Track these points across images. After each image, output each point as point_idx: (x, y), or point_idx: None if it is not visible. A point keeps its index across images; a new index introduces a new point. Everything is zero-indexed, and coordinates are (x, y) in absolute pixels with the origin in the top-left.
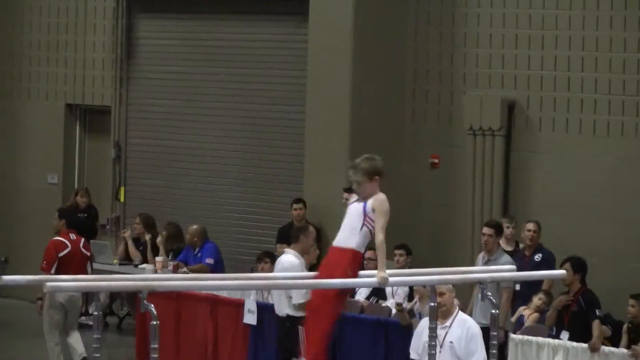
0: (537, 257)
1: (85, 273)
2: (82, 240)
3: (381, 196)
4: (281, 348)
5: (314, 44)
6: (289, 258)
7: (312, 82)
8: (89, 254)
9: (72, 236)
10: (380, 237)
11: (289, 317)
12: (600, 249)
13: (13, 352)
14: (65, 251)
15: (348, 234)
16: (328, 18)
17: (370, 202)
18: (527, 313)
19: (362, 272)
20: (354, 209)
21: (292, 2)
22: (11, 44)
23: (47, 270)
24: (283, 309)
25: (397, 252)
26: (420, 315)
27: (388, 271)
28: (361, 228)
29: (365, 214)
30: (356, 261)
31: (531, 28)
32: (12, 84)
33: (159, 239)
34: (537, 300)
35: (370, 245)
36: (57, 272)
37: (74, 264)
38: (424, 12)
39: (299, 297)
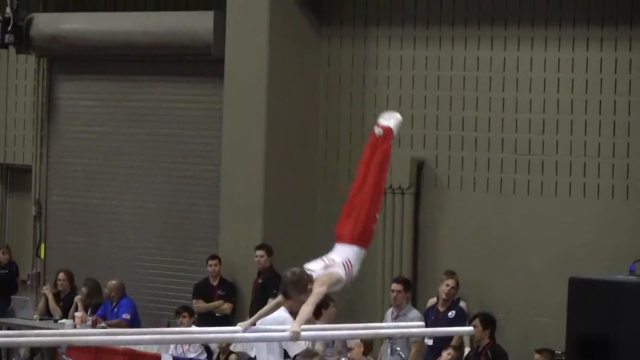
0: (451, 313)
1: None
2: None
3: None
4: None
5: (228, 103)
6: (278, 314)
7: (227, 139)
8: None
9: None
10: (308, 307)
11: None
12: (508, 302)
13: None
14: None
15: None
16: (242, 80)
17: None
18: None
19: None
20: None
21: (209, 65)
22: None
23: None
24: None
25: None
26: None
27: (307, 326)
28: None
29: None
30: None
31: (439, 89)
32: None
33: (78, 296)
34: (445, 355)
35: None
36: None
37: None
38: (335, 73)
39: (295, 349)
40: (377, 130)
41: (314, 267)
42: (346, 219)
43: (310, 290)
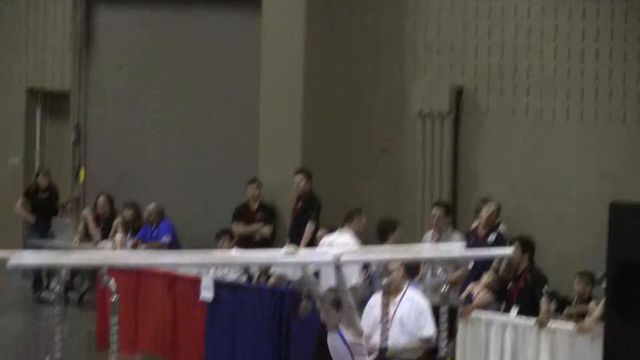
0: (491, 237)
1: None
2: None
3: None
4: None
5: (267, 30)
6: (344, 239)
7: (266, 63)
8: None
9: None
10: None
11: None
12: (547, 227)
13: None
14: None
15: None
16: (281, 6)
17: (345, 331)
18: (477, 290)
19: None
20: (336, 346)
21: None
22: None
23: None
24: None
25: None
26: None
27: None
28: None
29: (348, 345)
30: None
31: (478, 17)
32: None
33: (118, 219)
34: (486, 278)
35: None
36: None
37: None
38: (376, 2)
39: (355, 279)
40: None
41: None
42: None
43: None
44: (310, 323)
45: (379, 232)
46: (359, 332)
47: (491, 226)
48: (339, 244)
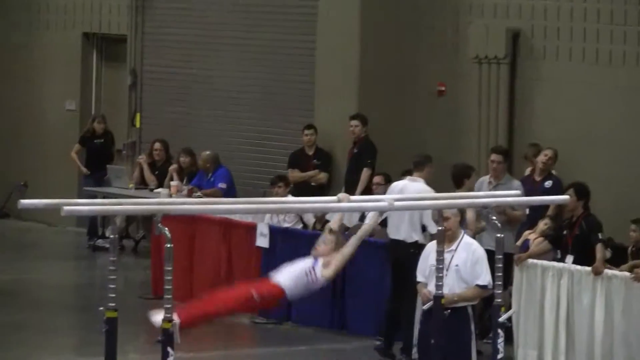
0: (547, 183)
1: None
2: None
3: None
4: (397, 269)
5: None
6: (418, 186)
7: (323, 10)
8: None
9: None
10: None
11: (416, 244)
12: (602, 174)
13: (32, 273)
14: None
15: (288, 276)
16: None
17: (321, 262)
18: (533, 237)
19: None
20: (303, 262)
21: None
22: None
23: None
24: (413, 235)
25: (403, 177)
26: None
27: (397, 195)
28: (303, 276)
29: (313, 268)
30: (274, 300)
31: None
32: (30, 15)
33: (173, 165)
34: (542, 225)
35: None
36: None
37: None
38: None
39: (434, 228)
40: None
41: None
42: None
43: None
44: (365, 271)
45: (453, 177)
46: (328, 277)
47: (547, 172)
48: (413, 191)
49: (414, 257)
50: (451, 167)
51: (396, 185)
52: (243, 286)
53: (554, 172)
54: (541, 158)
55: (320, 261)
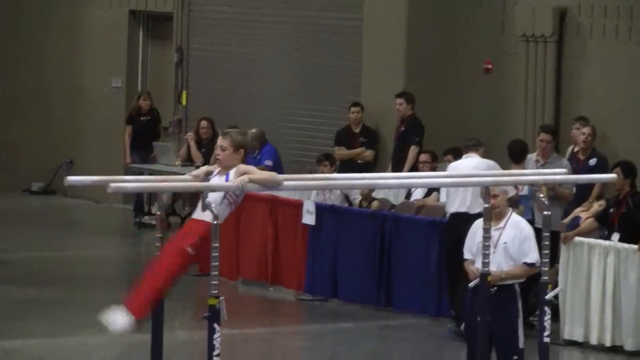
0: (592, 161)
1: None
2: None
3: (242, 168)
4: (459, 243)
5: None
6: (475, 160)
7: None
8: None
9: None
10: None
11: (479, 215)
12: None
13: (79, 250)
14: None
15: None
16: None
17: (232, 175)
18: (585, 216)
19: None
20: (215, 178)
21: None
22: None
23: None
24: (475, 207)
25: (447, 157)
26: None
27: (444, 173)
28: (221, 201)
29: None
30: (207, 235)
31: None
32: None
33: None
34: (597, 205)
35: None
36: None
37: None
38: None
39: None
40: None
41: None
42: None
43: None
44: (411, 247)
45: (513, 154)
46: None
47: (590, 150)
48: (473, 167)
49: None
50: (509, 144)
51: (451, 165)
52: (173, 247)
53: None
54: (580, 137)
55: (232, 173)
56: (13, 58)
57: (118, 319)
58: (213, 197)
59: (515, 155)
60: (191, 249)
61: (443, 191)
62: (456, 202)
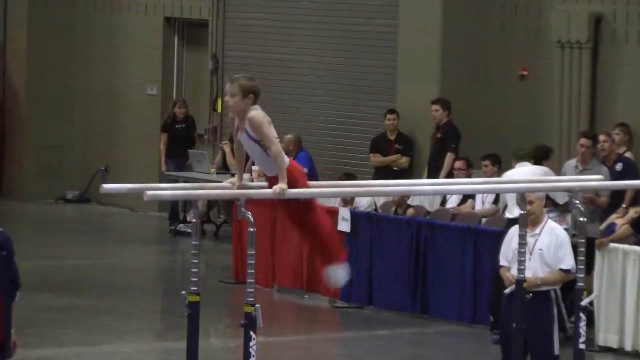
0: (618, 166)
1: None
2: None
3: (252, 112)
4: None
5: None
6: (530, 168)
7: (405, 3)
8: None
9: None
10: (273, 148)
11: None
12: None
13: (114, 258)
14: None
15: (263, 163)
16: None
17: (247, 126)
18: (620, 222)
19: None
20: (244, 141)
21: None
22: None
23: None
24: (515, 211)
25: (484, 162)
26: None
27: (480, 179)
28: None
29: (254, 140)
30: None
31: None
32: None
33: None
34: (632, 212)
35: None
36: None
37: None
38: None
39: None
40: None
41: None
42: None
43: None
44: (447, 254)
45: (534, 158)
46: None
47: (614, 155)
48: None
49: None
50: (533, 148)
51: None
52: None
53: (629, 154)
54: (600, 144)
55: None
56: (62, 59)
57: (338, 273)
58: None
59: (536, 159)
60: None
61: (501, 198)
62: (514, 209)
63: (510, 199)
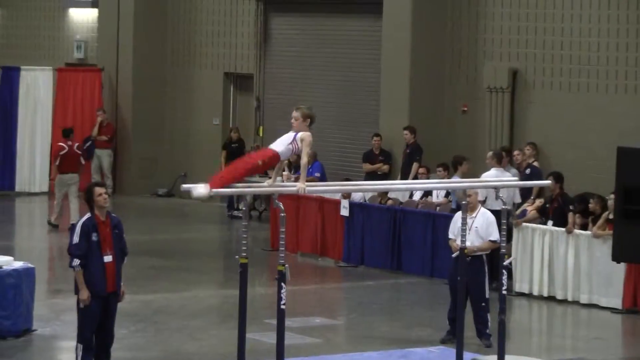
0: (528, 171)
1: (78, 167)
2: (76, 144)
3: (308, 133)
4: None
5: (386, 32)
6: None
7: (385, 55)
8: (79, 152)
9: (69, 142)
10: (304, 159)
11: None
12: (574, 167)
13: (190, 233)
14: (64, 151)
15: (279, 145)
16: (395, 18)
17: (299, 135)
18: (530, 209)
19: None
20: (288, 135)
21: (371, 6)
22: (188, 32)
23: (53, 163)
24: (494, 205)
25: (438, 169)
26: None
27: (435, 181)
28: (288, 145)
29: (294, 139)
30: (274, 160)
31: (528, 20)
32: (189, 57)
33: (285, 161)
34: (538, 202)
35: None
36: (60, 166)
37: (70, 160)
38: (457, 14)
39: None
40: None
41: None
42: None
43: (303, 136)
44: (416, 229)
45: (452, 164)
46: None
47: (527, 163)
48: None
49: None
50: (452, 157)
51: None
52: (250, 158)
53: (536, 163)
54: (518, 157)
55: (299, 135)
56: (156, 97)
57: (200, 187)
58: (280, 150)
59: (453, 165)
60: (261, 162)
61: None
62: (493, 203)
63: (490, 196)
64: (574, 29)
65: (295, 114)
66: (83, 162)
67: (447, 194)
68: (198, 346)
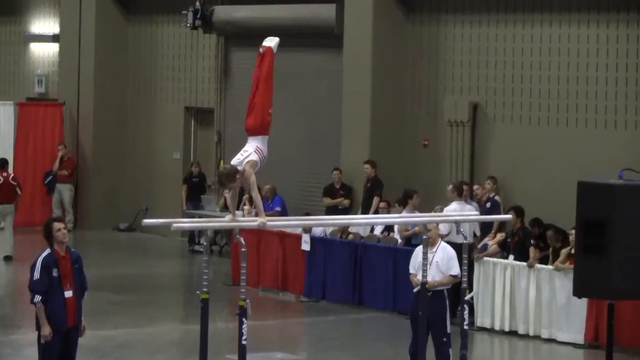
0: (488, 204)
1: (13, 197)
2: (11, 175)
3: (247, 167)
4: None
5: (347, 66)
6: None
7: (347, 90)
8: (14, 183)
9: (4, 173)
10: (254, 194)
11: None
12: (534, 199)
13: (152, 268)
14: None
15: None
16: (356, 52)
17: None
18: (491, 243)
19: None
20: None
21: (331, 40)
22: (149, 66)
23: None
24: (456, 239)
25: (396, 203)
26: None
27: (397, 215)
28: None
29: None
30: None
31: (488, 54)
32: (150, 92)
33: (246, 195)
34: (499, 236)
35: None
36: None
37: (5, 190)
38: (417, 46)
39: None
40: (260, 50)
41: (235, 161)
42: (249, 116)
43: (239, 179)
44: (374, 264)
45: (403, 197)
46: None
47: (487, 197)
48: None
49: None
50: (403, 190)
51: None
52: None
53: (497, 197)
54: (478, 191)
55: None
56: (117, 129)
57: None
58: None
59: (404, 197)
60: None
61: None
62: (457, 237)
63: (453, 231)
64: (534, 63)
65: (227, 187)
66: (19, 192)
67: (386, 229)
68: None
